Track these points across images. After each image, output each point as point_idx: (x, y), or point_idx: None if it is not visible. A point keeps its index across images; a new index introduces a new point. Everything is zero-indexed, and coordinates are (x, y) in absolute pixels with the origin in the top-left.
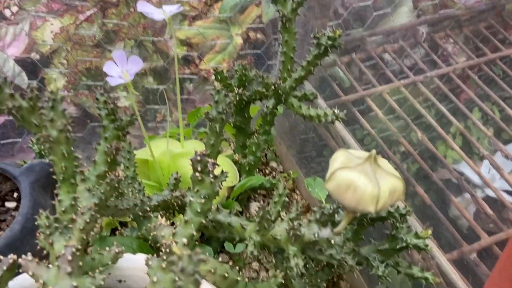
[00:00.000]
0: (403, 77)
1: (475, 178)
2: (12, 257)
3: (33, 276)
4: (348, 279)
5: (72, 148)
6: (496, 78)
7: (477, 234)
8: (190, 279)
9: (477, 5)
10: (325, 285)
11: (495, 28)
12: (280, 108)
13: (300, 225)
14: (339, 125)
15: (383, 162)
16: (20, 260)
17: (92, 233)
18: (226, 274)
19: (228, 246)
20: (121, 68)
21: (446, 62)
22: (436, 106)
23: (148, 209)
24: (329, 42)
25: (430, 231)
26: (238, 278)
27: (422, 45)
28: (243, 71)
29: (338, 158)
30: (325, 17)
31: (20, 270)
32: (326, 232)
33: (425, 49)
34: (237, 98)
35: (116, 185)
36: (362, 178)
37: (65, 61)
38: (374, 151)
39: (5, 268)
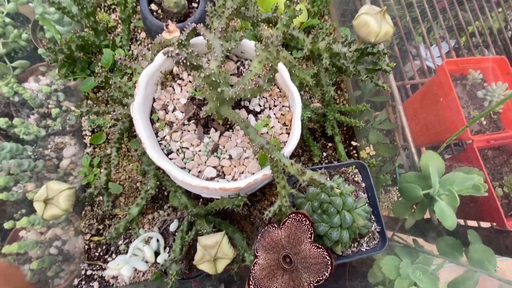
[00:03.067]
0: None
1: (425, 53)
2: (193, 24)
3: (203, 35)
4: (345, 83)
5: None
6: None
7: (414, 77)
8: (275, 48)
9: None
10: (334, 80)
11: None
12: None
13: (333, 43)
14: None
15: (387, 16)
16: (197, 26)
17: (231, 23)
18: (290, 61)
19: (294, 52)
20: None
21: None
22: (423, 6)
23: (259, 19)
24: None
25: (394, 64)
26: (296, 64)
27: None
28: None
29: (364, 8)
30: None
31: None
32: (344, 49)
33: None
34: None
35: (246, 1)
36: (373, 21)
37: None
38: (385, 8)
39: (190, 29)
